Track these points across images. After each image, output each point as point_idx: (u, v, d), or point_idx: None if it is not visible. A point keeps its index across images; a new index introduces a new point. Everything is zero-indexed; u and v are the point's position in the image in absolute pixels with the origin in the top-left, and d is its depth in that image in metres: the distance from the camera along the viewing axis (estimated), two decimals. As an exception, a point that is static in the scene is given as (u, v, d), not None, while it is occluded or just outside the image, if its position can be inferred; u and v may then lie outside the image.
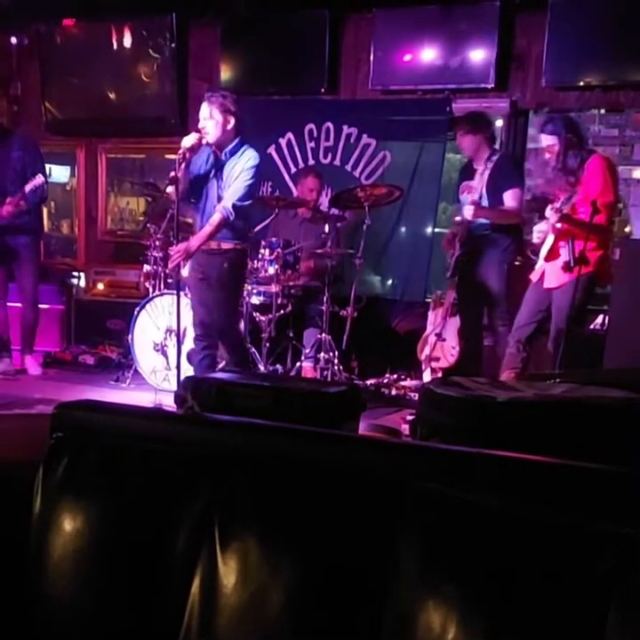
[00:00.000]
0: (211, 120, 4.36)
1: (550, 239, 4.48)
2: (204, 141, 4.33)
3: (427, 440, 1.92)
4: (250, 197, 4.42)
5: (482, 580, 1.09)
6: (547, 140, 4.54)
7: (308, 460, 1.30)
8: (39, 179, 5.49)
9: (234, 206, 4.32)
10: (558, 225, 4.35)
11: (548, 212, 4.43)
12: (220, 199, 4.42)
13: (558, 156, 4.45)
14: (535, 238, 4.66)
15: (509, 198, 5.02)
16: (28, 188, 5.48)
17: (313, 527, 1.23)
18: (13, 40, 7.39)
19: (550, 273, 4.54)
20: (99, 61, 6.99)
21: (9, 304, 5.99)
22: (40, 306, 6.05)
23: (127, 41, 6.88)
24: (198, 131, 4.38)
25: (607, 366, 4.12)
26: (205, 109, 4.38)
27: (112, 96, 7.04)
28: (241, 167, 4.37)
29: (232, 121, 4.38)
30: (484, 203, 5.08)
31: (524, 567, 1.08)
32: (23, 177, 5.57)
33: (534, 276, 4.68)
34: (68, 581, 1.34)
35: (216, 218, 4.34)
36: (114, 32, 6.90)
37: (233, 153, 4.43)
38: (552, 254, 4.49)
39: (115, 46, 6.92)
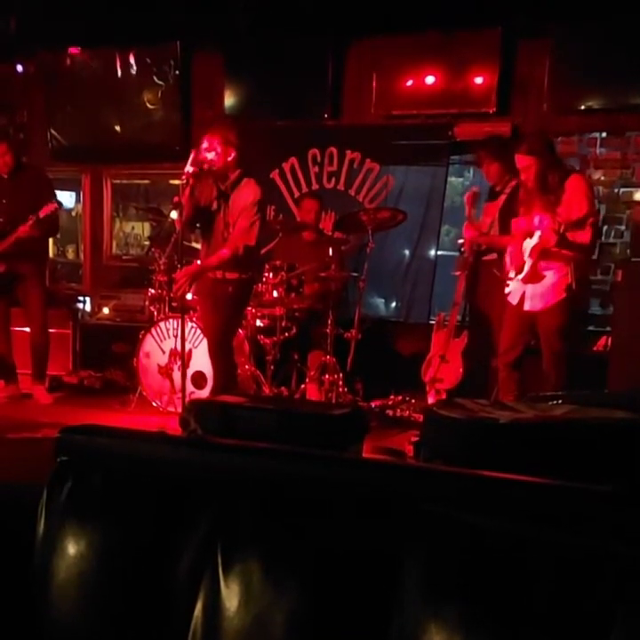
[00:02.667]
0: (211, 151, 4.41)
1: (529, 261, 4.41)
2: (206, 167, 4.38)
3: (430, 461, 1.92)
4: (257, 236, 4.47)
5: (485, 601, 1.09)
6: (524, 161, 4.42)
7: (310, 482, 1.31)
8: (52, 205, 5.50)
9: (245, 247, 4.39)
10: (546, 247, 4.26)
11: (534, 234, 4.37)
12: (226, 227, 4.46)
13: (537, 176, 4.37)
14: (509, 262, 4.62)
15: None
16: (41, 213, 5.48)
17: (316, 550, 1.23)
18: (19, 68, 7.48)
19: (534, 296, 4.47)
20: (104, 89, 7.07)
21: (19, 329, 6.00)
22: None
23: (132, 68, 6.96)
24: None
25: (610, 387, 4.12)
26: (207, 140, 4.44)
27: (117, 123, 7.11)
28: (243, 203, 4.43)
29: (232, 154, 4.44)
30: (495, 228, 5.06)
31: (527, 588, 1.08)
32: (34, 208, 5.59)
33: (513, 299, 4.59)
34: (72, 604, 1.34)
35: (226, 254, 4.39)
36: (118, 60, 6.98)
37: (234, 185, 4.48)
38: (534, 277, 4.42)
39: (119, 74, 7.00)
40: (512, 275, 4.57)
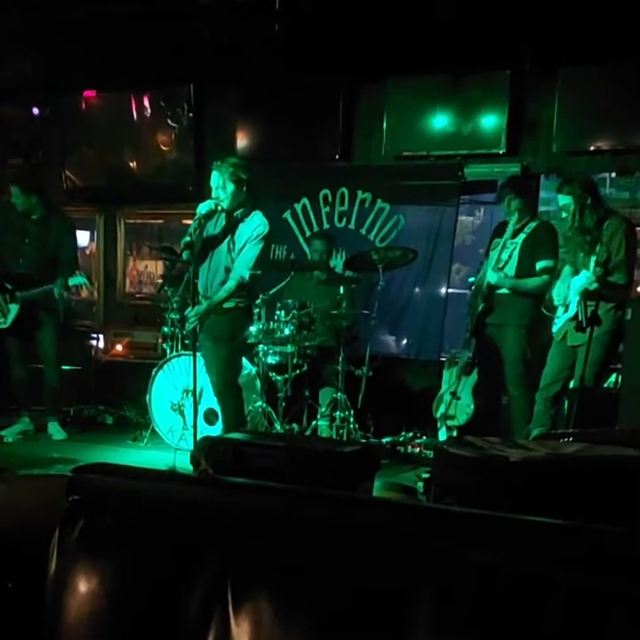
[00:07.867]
0: (224, 190, 4.43)
1: (575, 299, 4.50)
2: (219, 207, 4.42)
3: (440, 498, 1.92)
4: (261, 266, 4.49)
5: (495, 642, 1.09)
6: (563, 200, 4.60)
7: (321, 522, 1.31)
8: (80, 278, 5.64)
9: (251, 276, 4.41)
10: (592, 287, 4.36)
11: (576, 271, 4.49)
12: (230, 261, 4.48)
13: (574, 215, 4.52)
14: (556, 299, 4.69)
15: (543, 269, 5.00)
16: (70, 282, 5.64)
17: (326, 589, 1.23)
18: (35, 111, 7.61)
19: (572, 331, 4.58)
20: (118, 131, 7.19)
21: (33, 366, 6.03)
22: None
23: (146, 111, 7.09)
24: (214, 198, 4.46)
25: (621, 425, 4.11)
26: (217, 179, 4.44)
27: (131, 164, 7.22)
28: (249, 234, 4.44)
29: (244, 188, 4.46)
30: (512, 266, 5.09)
31: (539, 629, 1.08)
32: (56, 258, 5.69)
33: (558, 335, 4.71)
34: (83, 643, 1.34)
35: (232, 285, 4.41)
36: (133, 102, 7.11)
37: (244, 216, 4.49)
38: (576, 313, 4.52)
39: (134, 116, 7.12)
40: (560, 313, 4.63)
